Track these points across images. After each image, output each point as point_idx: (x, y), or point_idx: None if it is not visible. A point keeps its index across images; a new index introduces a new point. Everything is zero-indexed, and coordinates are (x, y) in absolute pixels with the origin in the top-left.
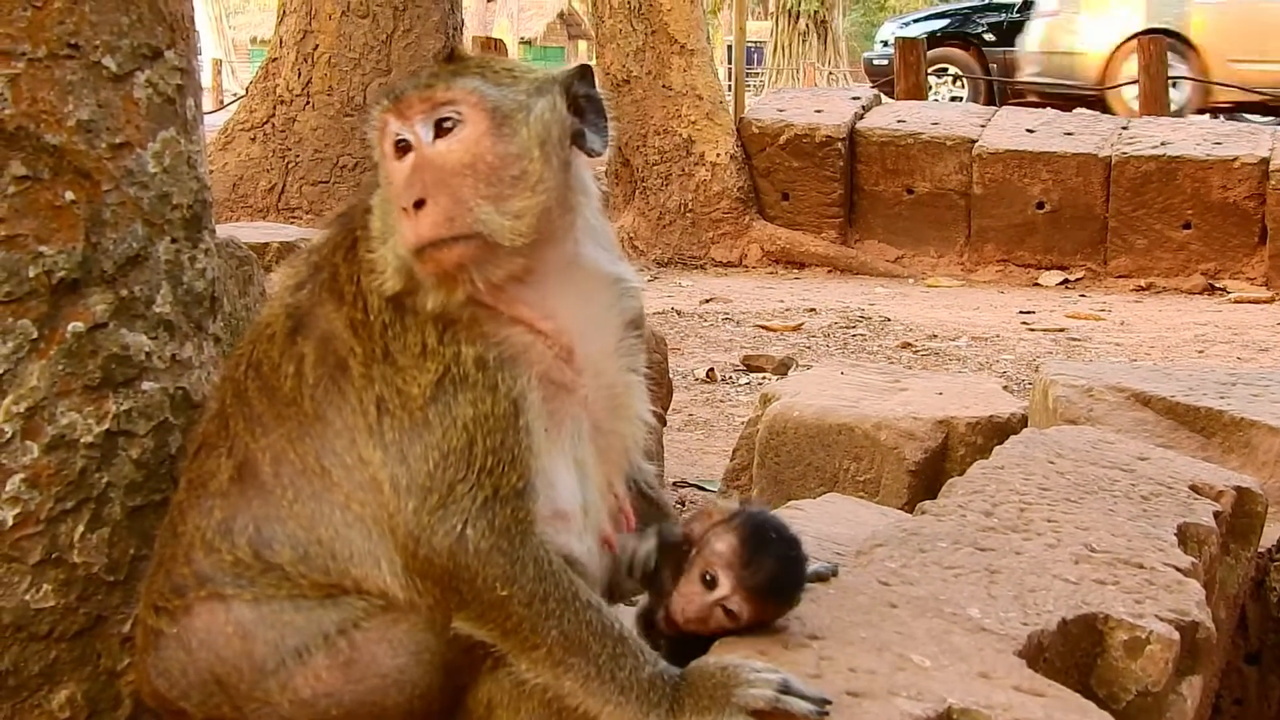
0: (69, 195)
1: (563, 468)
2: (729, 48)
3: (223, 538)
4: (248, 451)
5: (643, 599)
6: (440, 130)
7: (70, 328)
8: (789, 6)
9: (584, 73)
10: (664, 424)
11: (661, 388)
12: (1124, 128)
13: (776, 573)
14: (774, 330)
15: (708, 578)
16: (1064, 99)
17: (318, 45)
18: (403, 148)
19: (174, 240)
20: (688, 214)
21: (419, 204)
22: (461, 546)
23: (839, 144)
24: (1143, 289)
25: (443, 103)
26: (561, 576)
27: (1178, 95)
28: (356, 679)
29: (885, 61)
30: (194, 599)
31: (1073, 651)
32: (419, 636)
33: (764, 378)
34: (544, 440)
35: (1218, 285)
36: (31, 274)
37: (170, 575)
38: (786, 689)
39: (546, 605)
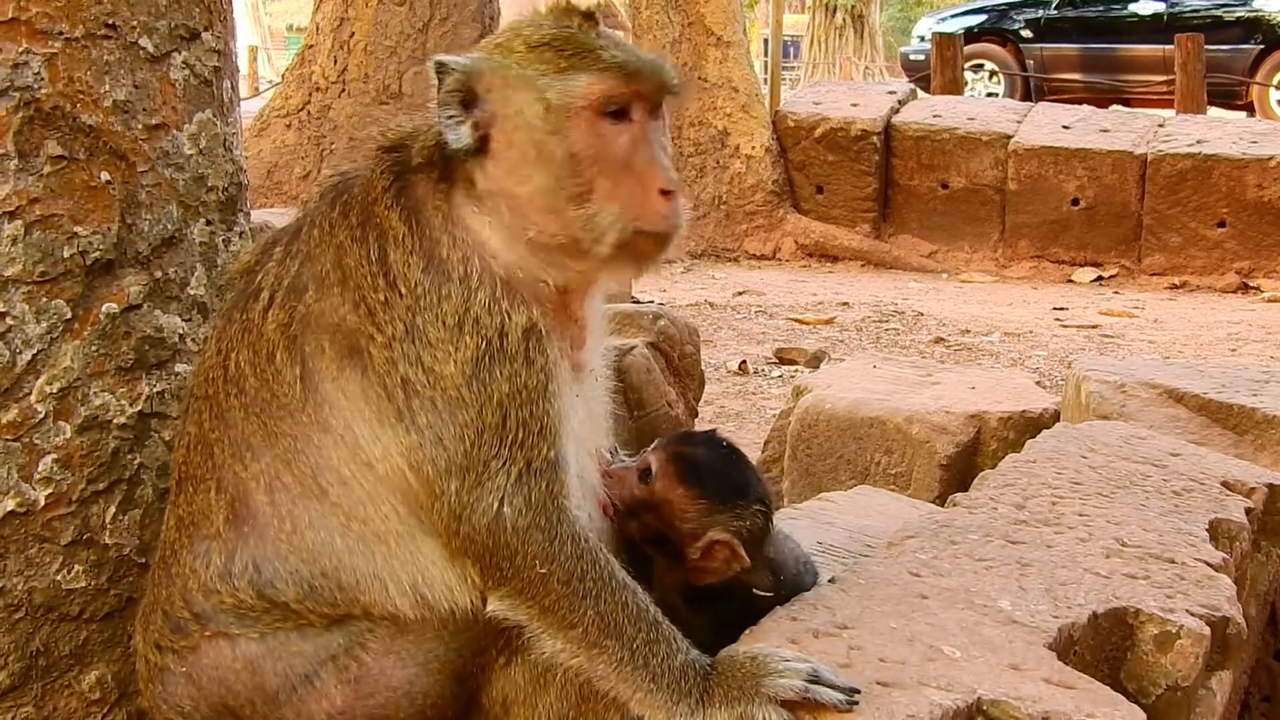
0: (104, 176)
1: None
2: (765, 41)
3: (221, 580)
4: (239, 484)
5: None
6: (655, 115)
7: (104, 309)
8: (826, 1)
9: None
10: (695, 415)
11: (693, 379)
12: (1160, 125)
13: (703, 455)
14: (807, 323)
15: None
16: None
17: (354, 33)
18: (617, 116)
19: (209, 222)
20: (722, 206)
21: (668, 191)
22: (500, 525)
23: (874, 138)
24: (1176, 287)
25: (677, 88)
26: (599, 556)
27: None
28: (367, 694)
29: (922, 56)
30: (199, 639)
31: (1103, 645)
32: (426, 646)
33: (796, 370)
34: (572, 409)
35: (1251, 284)
36: (66, 254)
37: (169, 617)
38: (816, 678)
39: (584, 584)
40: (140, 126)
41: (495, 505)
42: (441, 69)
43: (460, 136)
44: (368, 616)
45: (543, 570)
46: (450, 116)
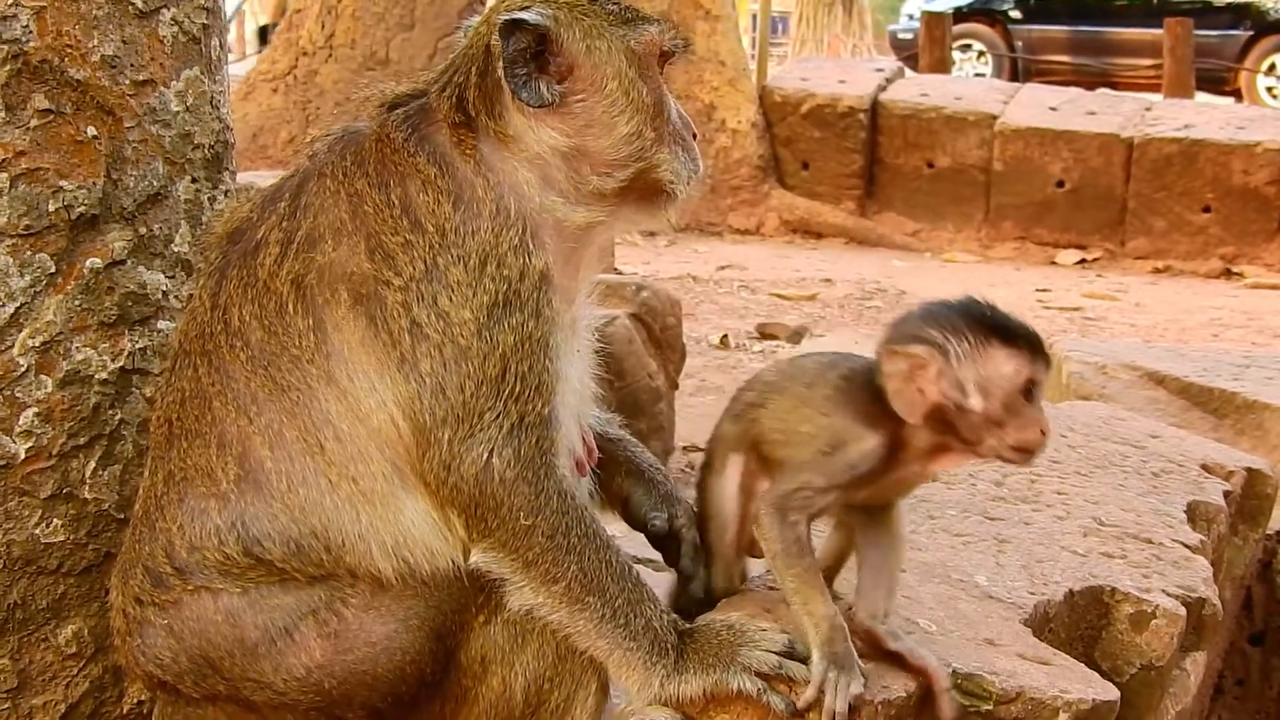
0: (91, 130)
1: None
2: (754, 16)
3: (209, 536)
4: (244, 439)
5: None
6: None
7: (88, 264)
8: None
9: None
10: (676, 388)
11: (675, 351)
12: (1147, 109)
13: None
14: (789, 299)
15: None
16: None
17: None
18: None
19: (194, 180)
20: (706, 180)
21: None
22: (488, 475)
23: (861, 115)
24: (1160, 271)
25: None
26: (584, 513)
27: None
28: (346, 649)
29: (910, 35)
30: (181, 593)
31: (1078, 623)
32: (407, 603)
33: (778, 346)
34: (564, 368)
35: (1235, 270)
36: (51, 208)
37: (150, 571)
38: (791, 652)
39: (569, 539)
40: (128, 82)
41: (485, 455)
42: (516, 25)
43: (539, 93)
44: (351, 575)
45: (527, 523)
46: (521, 74)
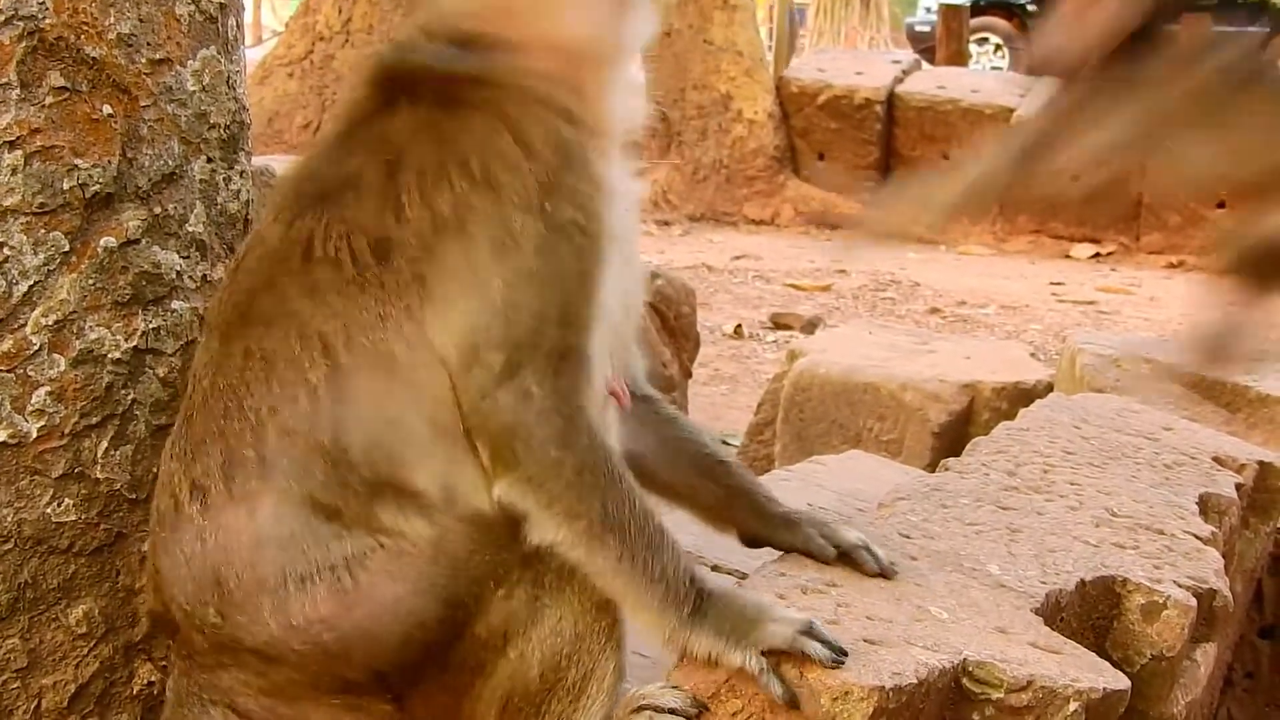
0: (106, 109)
1: None
2: (772, 7)
3: (302, 421)
4: (323, 333)
5: None
6: None
7: (102, 243)
8: None
9: None
10: (689, 376)
11: (689, 340)
12: None
13: None
14: (803, 290)
15: None
16: None
17: None
18: None
19: (210, 160)
20: (722, 170)
21: None
22: (526, 404)
23: (877, 107)
24: (1174, 266)
25: None
26: (612, 455)
27: None
28: (350, 605)
29: (928, 28)
30: (237, 493)
31: (1090, 613)
32: (421, 568)
33: (791, 335)
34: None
35: None
36: (65, 186)
37: (233, 453)
38: (809, 632)
39: (595, 477)
40: (144, 60)
41: (526, 386)
42: None
43: None
44: (398, 497)
45: (556, 455)
46: None
